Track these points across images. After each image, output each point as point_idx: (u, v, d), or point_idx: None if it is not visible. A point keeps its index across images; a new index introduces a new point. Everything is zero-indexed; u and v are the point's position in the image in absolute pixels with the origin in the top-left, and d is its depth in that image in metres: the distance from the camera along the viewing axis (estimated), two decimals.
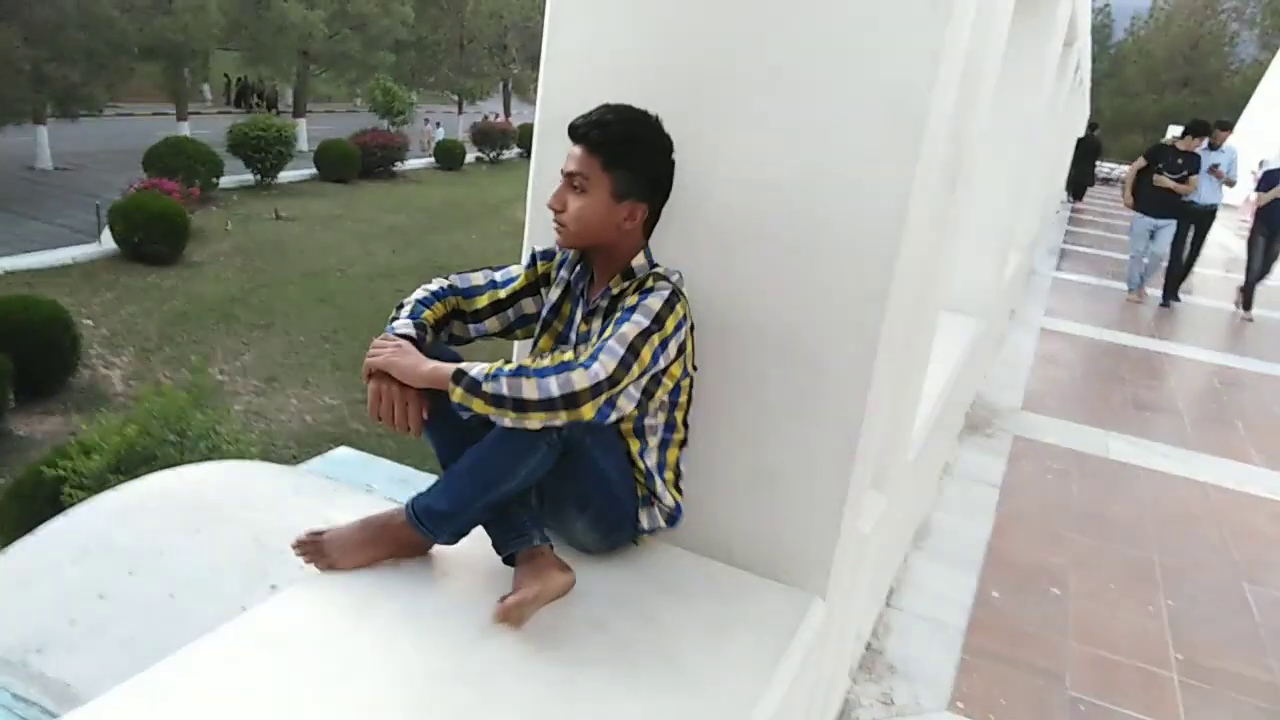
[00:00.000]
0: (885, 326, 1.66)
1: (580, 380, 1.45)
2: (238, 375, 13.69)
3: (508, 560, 1.62)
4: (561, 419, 1.46)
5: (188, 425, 8.69)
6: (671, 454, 1.76)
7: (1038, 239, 10.53)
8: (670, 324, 1.58)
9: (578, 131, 1.64)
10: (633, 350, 1.52)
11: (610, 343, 1.51)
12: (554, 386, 1.44)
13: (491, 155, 33.11)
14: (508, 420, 1.47)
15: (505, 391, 1.45)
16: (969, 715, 2.67)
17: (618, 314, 1.59)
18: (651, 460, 1.73)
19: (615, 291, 1.69)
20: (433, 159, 30.86)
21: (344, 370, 14.25)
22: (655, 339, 1.55)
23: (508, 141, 33.36)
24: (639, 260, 1.70)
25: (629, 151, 1.63)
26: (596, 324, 1.70)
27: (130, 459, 8.20)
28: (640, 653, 1.50)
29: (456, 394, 1.47)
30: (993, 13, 2.24)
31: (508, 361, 1.51)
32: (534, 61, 38.15)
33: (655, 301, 1.58)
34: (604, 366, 1.48)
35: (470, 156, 32.53)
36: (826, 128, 1.63)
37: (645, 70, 1.77)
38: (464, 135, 34.15)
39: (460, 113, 38.30)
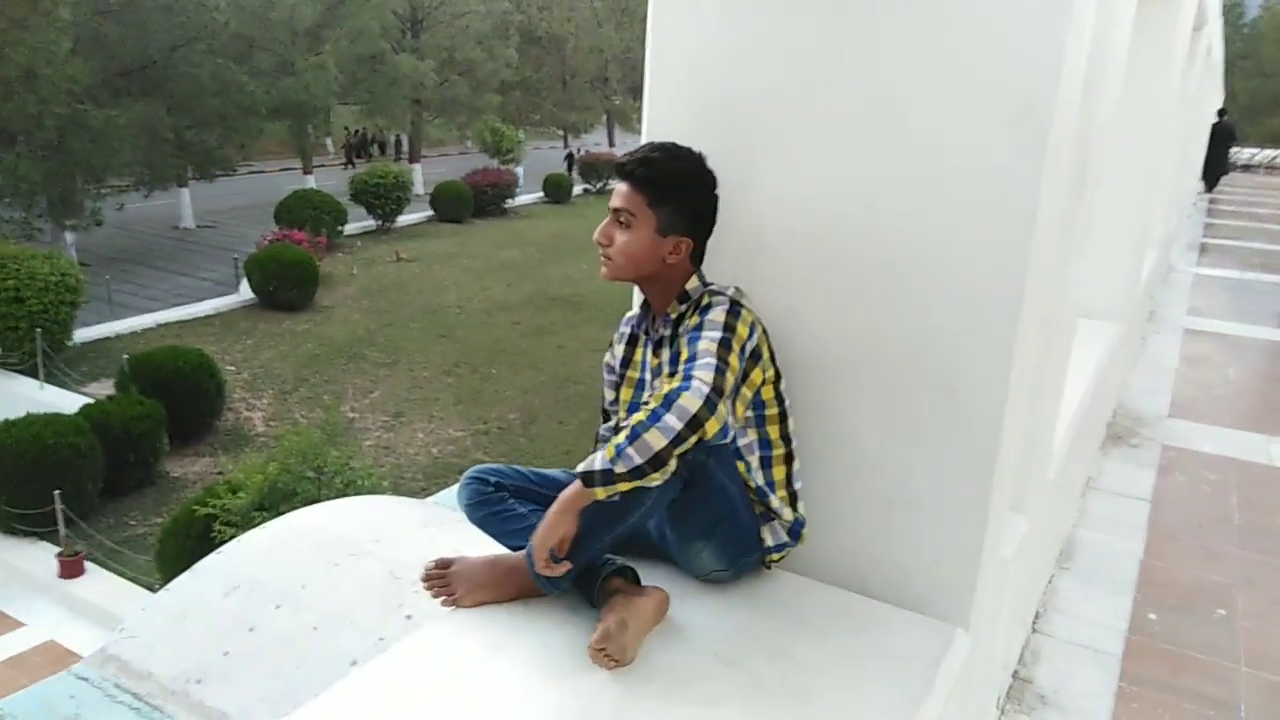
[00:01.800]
0: (1019, 339, 1.57)
1: (691, 401, 1.43)
2: (367, 412, 14.30)
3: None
4: (692, 443, 1.44)
5: (324, 462, 9.13)
6: (778, 471, 1.72)
7: (1175, 234, 9.91)
8: (742, 330, 1.59)
9: (624, 169, 1.69)
10: (720, 358, 1.51)
11: (698, 360, 1.50)
12: (673, 421, 1.42)
13: (598, 186, 33.71)
14: (656, 480, 1.45)
15: (638, 460, 1.42)
16: None
17: (683, 337, 1.60)
18: (760, 479, 1.71)
19: (674, 316, 1.72)
20: (542, 193, 31.65)
21: (465, 403, 14.69)
22: (735, 344, 1.56)
23: (612, 172, 33.83)
24: (692, 283, 1.72)
25: (673, 188, 1.66)
26: (666, 353, 1.72)
27: (273, 495, 8.67)
28: (775, 690, 1.45)
29: (600, 493, 1.45)
30: (1114, 6, 2.12)
31: (615, 431, 1.49)
32: (635, 92, 38.79)
33: (718, 314, 1.59)
34: (703, 379, 1.46)
35: (577, 189, 33.22)
36: (943, 138, 1.57)
37: (748, 94, 1.75)
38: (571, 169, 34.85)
39: (565, 146, 39.17)
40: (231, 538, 4.66)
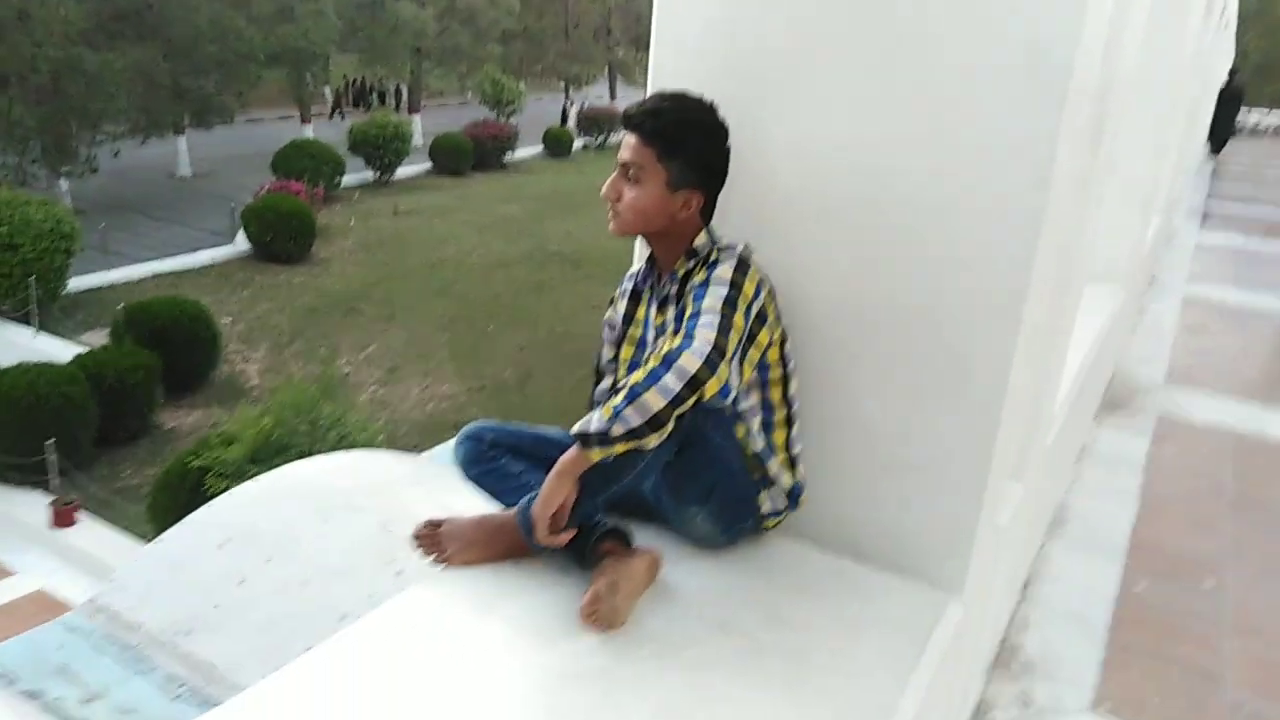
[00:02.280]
0: (1028, 302, 1.53)
1: (691, 361, 1.39)
2: (363, 366, 14.28)
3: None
4: (691, 404, 1.40)
5: (318, 416, 9.13)
6: (778, 435, 1.68)
7: (1179, 199, 9.82)
8: (749, 288, 1.54)
9: (632, 120, 1.61)
10: (724, 316, 1.46)
11: (701, 317, 1.45)
12: (672, 381, 1.38)
13: (599, 140, 33.34)
14: (653, 442, 1.41)
15: (635, 421, 1.38)
16: (1117, 716, 2.48)
17: (689, 294, 1.55)
18: (759, 444, 1.67)
19: (681, 273, 1.66)
20: (542, 147, 31.31)
21: (461, 359, 14.68)
22: (740, 303, 1.50)
23: (614, 125, 33.48)
24: (701, 239, 1.66)
25: (684, 141, 1.60)
26: (671, 311, 1.66)
27: (266, 449, 8.68)
28: (769, 654, 1.43)
29: (596, 454, 1.41)
30: None
31: (614, 392, 1.44)
32: (638, 44, 38.20)
33: (725, 271, 1.54)
34: (704, 339, 1.41)
35: (578, 143, 32.86)
36: (957, 88, 1.51)
37: (756, 45, 1.68)
38: (571, 123, 34.49)
39: (568, 98, 38.70)
40: (225, 490, 4.66)
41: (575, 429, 1.43)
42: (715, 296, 1.49)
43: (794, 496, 1.71)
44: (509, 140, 28.68)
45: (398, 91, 36.16)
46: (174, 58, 19.40)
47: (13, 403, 9.83)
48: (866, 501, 1.73)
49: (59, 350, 12.13)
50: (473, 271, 18.58)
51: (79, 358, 11.26)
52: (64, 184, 18.57)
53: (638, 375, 1.40)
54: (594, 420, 1.40)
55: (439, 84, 35.51)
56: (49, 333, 13.29)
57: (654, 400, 1.37)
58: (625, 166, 1.62)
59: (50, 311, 13.60)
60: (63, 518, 9.48)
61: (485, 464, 1.68)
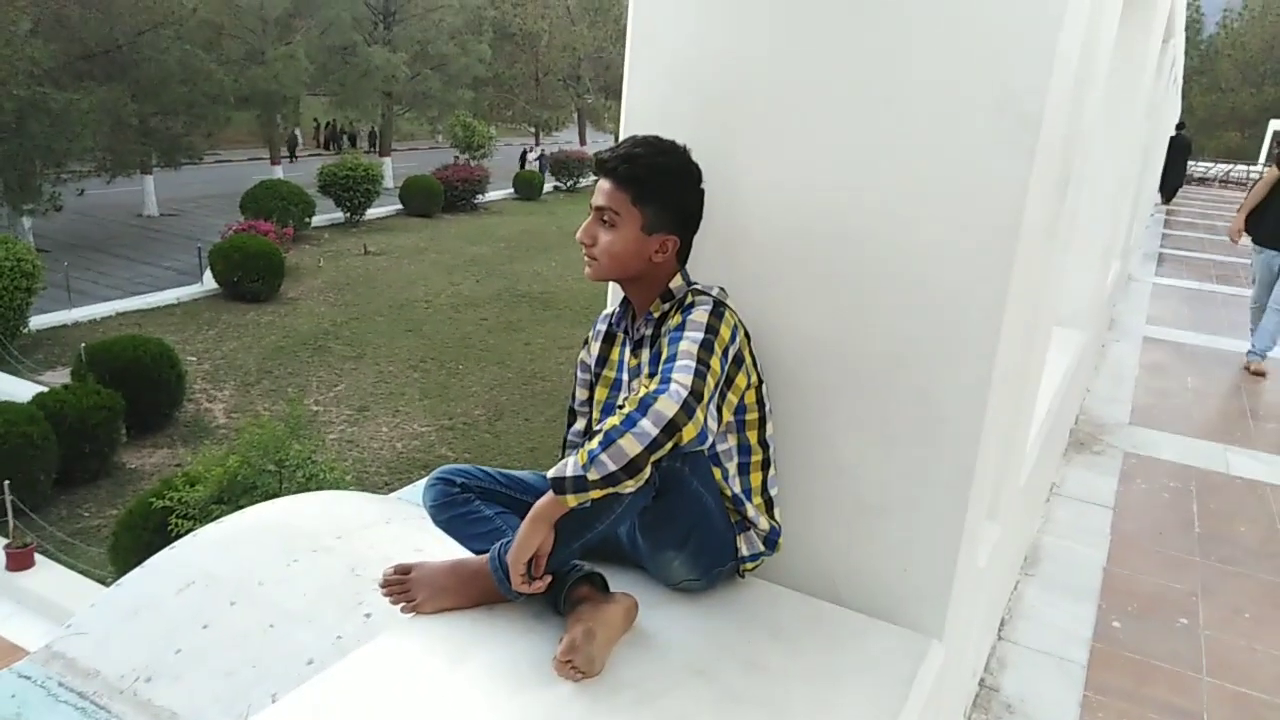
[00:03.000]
0: (1001, 343, 1.55)
1: (668, 406, 1.37)
2: (331, 405, 14.10)
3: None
4: (669, 449, 1.38)
5: (286, 455, 8.97)
6: (755, 478, 1.68)
7: (1135, 244, 10.06)
8: (725, 332, 1.53)
9: (606, 165, 1.62)
10: (701, 360, 1.44)
11: (677, 361, 1.44)
12: (649, 426, 1.36)
13: (568, 184, 33.60)
14: (630, 487, 1.39)
15: (612, 467, 1.36)
16: None
17: (664, 337, 1.54)
18: (736, 486, 1.66)
19: (656, 315, 1.66)
20: (513, 190, 31.48)
21: (431, 398, 14.55)
22: (717, 347, 1.49)
23: (584, 170, 33.80)
24: (676, 282, 1.67)
25: (658, 185, 1.60)
26: (646, 354, 1.66)
27: (232, 489, 8.50)
28: (748, 703, 1.41)
29: (572, 501, 1.39)
30: (1103, 9, 2.11)
31: (589, 436, 1.43)
32: (608, 91, 38.70)
33: (701, 315, 1.53)
34: (681, 383, 1.39)
35: (548, 186, 33.08)
36: (930, 135, 1.54)
37: (728, 91, 1.71)
38: (538, 164, 34.75)
39: (537, 143, 38.99)
40: (189, 531, 4.55)
41: (550, 474, 1.41)
42: (691, 341, 1.48)
43: (771, 540, 1.70)
44: (479, 183, 28.81)
45: (372, 134, 36.23)
46: (142, 98, 19.31)
47: None
48: (844, 545, 1.73)
49: (18, 389, 11.87)
50: (442, 311, 18.51)
51: (39, 396, 11.01)
52: (26, 222, 18.31)
53: (613, 420, 1.38)
54: (569, 466, 1.38)
55: (410, 127, 35.66)
56: (7, 372, 13.00)
57: (630, 446, 1.35)
58: (600, 211, 1.62)
59: (10, 350, 13.32)
60: (19, 560, 9.19)
61: (456, 508, 1.65)
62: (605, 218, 1.61)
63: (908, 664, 1.56)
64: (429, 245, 23.44)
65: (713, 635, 1.58)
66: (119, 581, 4.30)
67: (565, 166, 33.64)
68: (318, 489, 8.10)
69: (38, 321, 14.79)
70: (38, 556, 9.38)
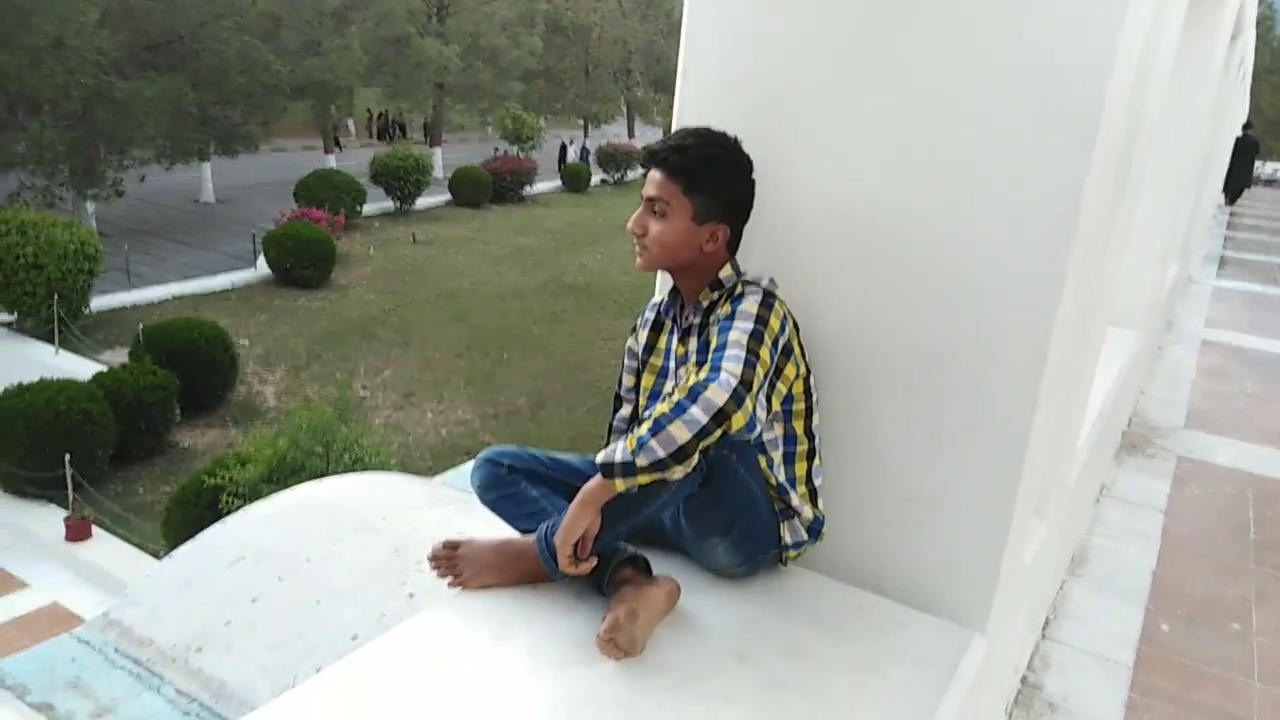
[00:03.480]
0: (1053, 342, 1.53)
1: (718, 394, 1.38)
2: (378, 391, 14.32)
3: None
4: (717, 437, 1.39)
5: (333, 438, 9.15)
6: (800, 467, 1.69)
7: (1196, 245, 9.80)
8: (774, 323, 1.53)
9: (656, 156, 1.63)
10: (751, 350, 1.45)
11: (727, 350, 1.45)
12: (699, 414, 1.37)
13: (616, 177, 33.63)
14: (678, 474, 1.40)
15: (661, 453, 1.37)
16: None
17: (714, 326, 1.55)
18: (781, 475, 1.67)
19: (705, 304, 1.67)
20: (560, 182, 31.61)
21: (476, 386, 14.70)
22: (766, 337, 1.50)
23: (631, 163, 33.80)
24: (726, 271, 1.68)
25: (709, 175, 1.61)
26: (693, 343, 1.67)
27: (281, 469, 8.70)
28: (789, 688, 1.42)
29: (620, 485, 1.41)
30: (1167, 5, 2.06)
31: (637, 423, 1.44)
32: (657, 85, 38.62)
33: (751, 305, 1.54)
34: (731, 372, 1.40)
35: (596, 179, 33.15)
36: (985, 131, 1.53)
37: (782, 85, 1.71)
38: (592, 158, 34.84)
39: (585, 136, 39.09)
40: (239, 509, 4.67)
41: (599, 459, 1.43)
42: (741, 330, 1.49)
43: (815, 529, 1.71)
44: (528, 174, 28.98)
45: (424, 125, 36.65)
46: (202, 88, 19.74)
47: (33, 418, 9.91)
48: (889, 536, 1.73)
49: (79, 368, 12.25)
50: (489, 301, 18.67)
51: (98, 376, 11.35)
52: (90, 207, 18.85)
53: (663, 407, 1.40)
54: (618, 451, 1.40)
55: (460, 119, 35.99)
56: (70, 350, 13.41)
57: (680, 433, 1.37)
58: (651, 201, 1.63)
59: (72, 330, 13.74)
60: (77, 531, 9.51)
61: (503, 488, 1.68)
62: (656, 208, 1.63)
63: (949, 656, 1.55)
64: (476, 235, 23.65)
65: (755, 621, 1.59)
66: (171, 554, 4.44)
67: (613, 159, 33.66)
68: (364, 471, 8.25)
69: (98, 303, 15.23)
70: (94, 529, 9.70)
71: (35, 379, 10.52)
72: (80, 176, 17.91)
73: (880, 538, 1.73)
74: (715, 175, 1.61)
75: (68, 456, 9.68)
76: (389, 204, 24.74)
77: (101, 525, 9.82)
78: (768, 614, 1.61)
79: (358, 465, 8.90)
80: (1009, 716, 2.55)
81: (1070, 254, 1.49)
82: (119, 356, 13.16)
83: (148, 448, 11.48)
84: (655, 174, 1.63)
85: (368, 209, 23.39)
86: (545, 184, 30.96)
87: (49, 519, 9.77)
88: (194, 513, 8.55)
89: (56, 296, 13.38)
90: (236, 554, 3.97)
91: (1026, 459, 1.58)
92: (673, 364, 1.74)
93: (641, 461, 1.38)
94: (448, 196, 26.95)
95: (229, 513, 4.97)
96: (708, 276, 1.68)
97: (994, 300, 1.56)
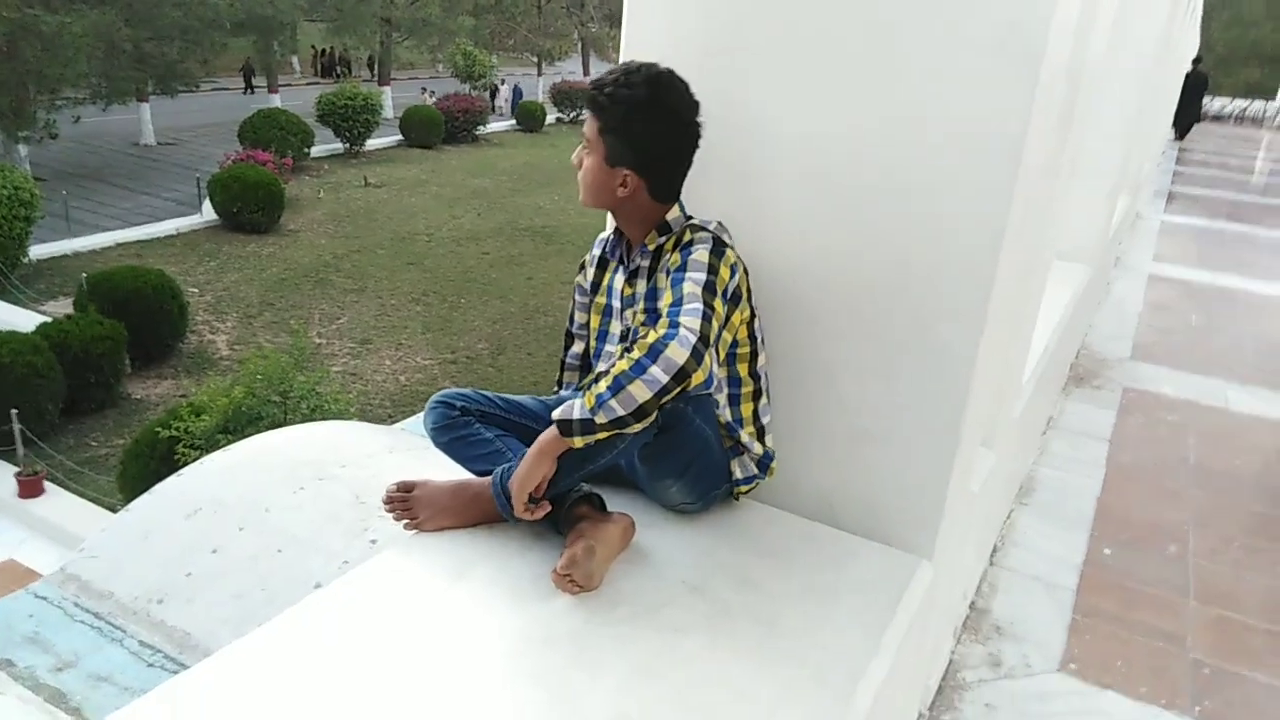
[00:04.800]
0: (999, 275, 1.55)
1: (678, 353, 1.37)
2: (334, 338, 14.14)
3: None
4: (675, 394, 1.39)
5: (290, 387, 9.03)
6: (746, 408, 1.70)
7: (1144, 180, 9.94)
8: (724, 272, 1.53)
9: (588, 92, 1.62)
10: (706, 304, 1.45)
11: (684, 305, 1.44)
12: (659, 373, 1.37)
13: (571, 116, 33.04)
14: (636, 429, 1.42)
15: (620, 411, 1.38)
16: (1083, 678, 2.56)
17: (662, 273, 1.54)
18: (728, 415, 1.69)
19: (652, 248, 1.64)
20: (514, 121, 31.00)
21: (434, 331, 14.57)
22: (718, 287, 1.50)
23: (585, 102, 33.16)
24: (673, 214, 1.65)
25: (620, 118, 1.56)
26: (641, 285, 1.65)
27: (237, 419, 8.58)
28: (740, 617, 1.46)
29: (578, 443, 1.42)
30: None
31: (595, 379, 1.43)
32: (612, 20, 37.81)
33: (701, 254, 1.52)
34: (689, 328, 1.40)
35: (551, 117, 32.56)
36: (930, 64, 1.52)
37: (730, 20, 1.68)
38: (543, 97, 34.17)
39: (539, 74, 38.25)
40: (194, 460, 4.62)
41: (556, 415, 1.43)
42: (694, 282, 1.47)
43: (764, 464, 1.74)
44: (480, 114, 28.36)
45: (370, 62, 35.54)
46: (136, 22, 18.88)
47: None
48: (839, 468, 1.76)
49: (21, 319, 11.89)
50: (444, 244, 18.41)
51: (43, 327, 11.04)
52: (22, 150, 18.09)
53: (623, 365, 1.39)
54: (576, 408, 1.41)
55: (410, 56, 34.93)
56: (9, 302, 13.01)
57: (640, 392, 1.37)
58: (585, 138, 1.63)
59: (10, 280, 13.31)
60: (29, 488, 9.34)
61: (456, 430, 1.67)
62: (585, 145, 1.63)
63: (897, 583, 1.60)
64: (430, 177, 23.19)
65: (707, 553, 1.62)
66: (128, 507, 4.38)
67: (568, 98, 33.04)
68: (323, 419, 8.18)
69: (37, 251, 14.74)
70: (47, 484, 9.53)
71: None
72: (9, 117, 17.13)
73: (831, 469, 1.77)
74: (627, 119, 1.56)
75: (14, 411, 9.45)
76: (338, 145, 24.09)
77: (54, 480, 9.65)
78: (720, 546, 1.65)
79: (316, 414, 8.82)
80: (958, 640, 2.65)
81: (1016, 185, 1.51)
82: (63, 307, 12.80)
83: (98, 400, 11.25)
84: (589, 114, 1.62)
85: (316, 150, 22.76)
86: (500, 123, 30.36)
87: None
88: (149, 465, 8.44)
89: None
90: (194, 505, 3.93)
91: (972, 390, 1.61)
92: (617, 303, 1.73)
93: (601, 419, 1.39)
94: (399, 137, 26.31)
95: (185, 464, 4.92)
96: (645, 222, 1.65)
97: (942, 234, 1.57)
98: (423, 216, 19.90)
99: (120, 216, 17.84)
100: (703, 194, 1.73)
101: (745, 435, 1.70)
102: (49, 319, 11.71)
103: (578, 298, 1.86)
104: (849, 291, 1.68)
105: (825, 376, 1.74)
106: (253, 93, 31.00)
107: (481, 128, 28.64)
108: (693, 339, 1.39)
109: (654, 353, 1.38)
